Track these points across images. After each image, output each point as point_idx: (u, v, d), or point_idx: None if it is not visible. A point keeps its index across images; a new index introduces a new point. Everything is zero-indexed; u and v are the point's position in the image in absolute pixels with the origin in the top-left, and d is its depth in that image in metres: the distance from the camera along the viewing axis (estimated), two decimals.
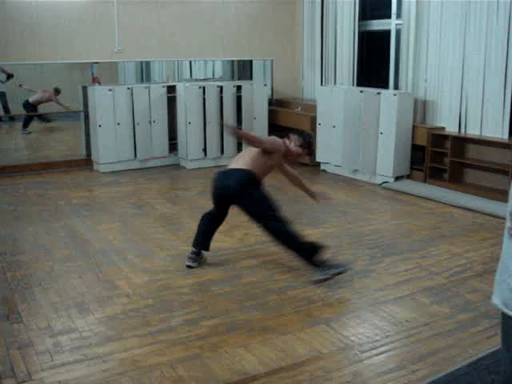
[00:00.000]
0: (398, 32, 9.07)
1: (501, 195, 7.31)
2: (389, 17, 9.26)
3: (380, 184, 8.34)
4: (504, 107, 7.57)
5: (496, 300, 2.11)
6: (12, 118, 11.38)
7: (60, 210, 7.12)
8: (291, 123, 10.00)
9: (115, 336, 3.93)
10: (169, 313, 4.30)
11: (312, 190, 5.36)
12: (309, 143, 5.09)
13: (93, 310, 4.34)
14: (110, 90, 9.09)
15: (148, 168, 9.49)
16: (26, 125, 11.00)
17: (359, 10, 9.68)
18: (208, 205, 7.31)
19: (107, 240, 5.99)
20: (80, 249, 5.72)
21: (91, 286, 4.82)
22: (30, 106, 10.69)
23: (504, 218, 6.64)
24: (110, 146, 9.16)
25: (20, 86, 10.49)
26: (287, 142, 5.05)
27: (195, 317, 4.23)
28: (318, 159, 9.37)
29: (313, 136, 5.27)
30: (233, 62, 11.35)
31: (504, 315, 2.08)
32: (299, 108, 10.17)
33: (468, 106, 8.01)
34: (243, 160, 4.94)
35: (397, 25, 9.11)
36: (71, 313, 4.29)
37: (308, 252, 4.79)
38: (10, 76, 10.26)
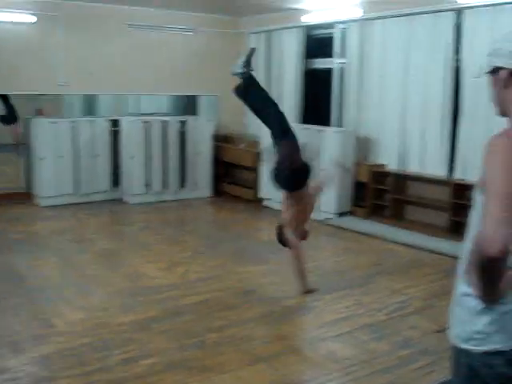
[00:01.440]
0: (342, 71, 9.24)
1: (441, 231, 7.46)
2: (333, 56, 9.41)
3: (323, 220, 8.39)
4: (443, 145, 7.75)
5: (450, 332, 2.12)
6: None
7: None
8: (235, 159, 10.04)
9: (48, 376, 3.82)
10: (106, 351, 4.20)
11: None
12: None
13: (27, 349, 4.21)
14: (53, 122, 8.98)
15: (90, 202, 9.33)
16: None
17: (304, 49, 9.85)
18: (150, 241, 7.27)
19: (44, 276, 5.85)
20: (16, 285, 5.57)
21: (26, 323, 4.69)
22: None
23: (443, 254, 6.65)
24: (51, 180, 9.00)
25: None
26: None
27: (133, 355, 4.14)
28: (260, 195, 9.40)
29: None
30: (179, 97, 11.36)
31: (455, 347, 2.09)
32: (243, 144, 10.22)
33: (408, 144, 8.18)
34: None
35: (340, 63, 9.27)
36: (4, 352, 4.15)
37: None
38: None
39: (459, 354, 2.08)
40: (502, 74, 2.02)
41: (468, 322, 2.03)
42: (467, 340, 2.03)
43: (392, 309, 5.15)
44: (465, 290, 2.05)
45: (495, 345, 1.99)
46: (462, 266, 2.09)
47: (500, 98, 2.08)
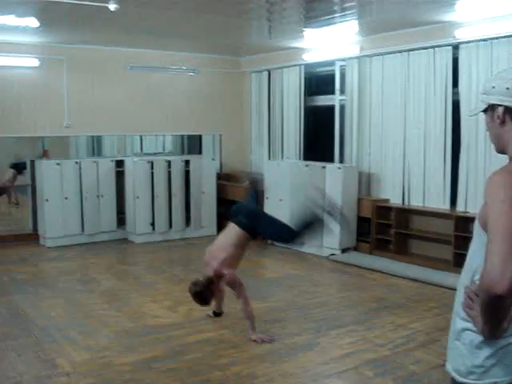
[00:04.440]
0: (343, 107, 9.34)
1: (444, 265, 7.45)
2: (333, 93, 9.54)
3: (327, 256, 8.40)
4: (445, 178, 7.80)
5: (448, 366, 2.13)
6: None
7: (3, 286, 6.96)
8: (239, 197, 10.07)
9: None
10: None
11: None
12: None
13: None
14: (58, 164, 9.07)
15: (95, 242, 9.38)
16: None
17: (305, 86, 9.97)
18: (154, 280, 7.29)
19: (49, 317, 5.86)
20: (21, 326, 5.57)
21: (31, 364, 4.69)
22: None
23: (447, 288, 6.58)
24: (57, 221, 9.06)
25: None
26: None
27: None
28: None
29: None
30: (182, 136, 11.49)
31: (454, 381, 2.09)
32: (247, 182, 10.26)
33: (411, 178, 8.23)
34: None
35: (341, 100, 9.38)
36: None
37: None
38: None
39: None
40: (498, 111, 2.04)
41: (467, 355, 2.03)
42: (467, 374, 2.03)
43: (396, 343, 5.14)
44: (464, 324, 2.06)
45: (495, 378, 1.98)
46: (460, 299, 2.10)
47: (497, 135, 2.10)
